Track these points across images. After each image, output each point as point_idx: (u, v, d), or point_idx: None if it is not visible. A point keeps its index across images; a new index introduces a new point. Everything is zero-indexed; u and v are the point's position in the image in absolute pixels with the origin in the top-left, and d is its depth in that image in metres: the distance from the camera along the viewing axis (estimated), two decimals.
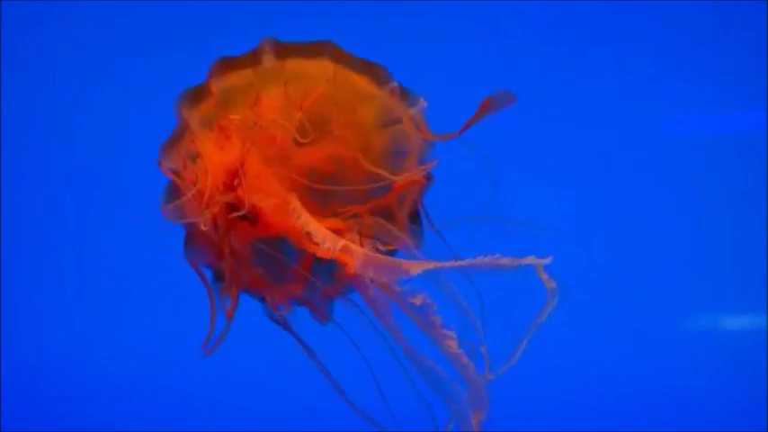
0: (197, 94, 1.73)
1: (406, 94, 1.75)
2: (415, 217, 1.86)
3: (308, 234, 1.64)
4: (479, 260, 1.60)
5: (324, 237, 1.64)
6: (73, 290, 3.15)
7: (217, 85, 1.70)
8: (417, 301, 1.63)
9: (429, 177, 1.82)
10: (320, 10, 2.80)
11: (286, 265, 1.82)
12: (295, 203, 1.68)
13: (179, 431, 3.11)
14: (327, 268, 1.82)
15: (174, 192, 1.75)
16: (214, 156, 1.67)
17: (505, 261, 1.58)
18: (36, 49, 3.11)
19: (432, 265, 1.62)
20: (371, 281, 1.67)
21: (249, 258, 1.80)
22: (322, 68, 1.72)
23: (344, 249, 1.63)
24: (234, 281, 1.77)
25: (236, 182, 1.66)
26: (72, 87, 3.07)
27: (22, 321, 3.15)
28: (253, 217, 1.68)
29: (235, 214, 1.68)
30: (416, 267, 1.62)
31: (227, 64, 1.73)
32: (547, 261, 1.63)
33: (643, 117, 3.20)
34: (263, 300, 1.88)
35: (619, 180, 3.20)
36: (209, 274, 1.84)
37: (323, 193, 1.77)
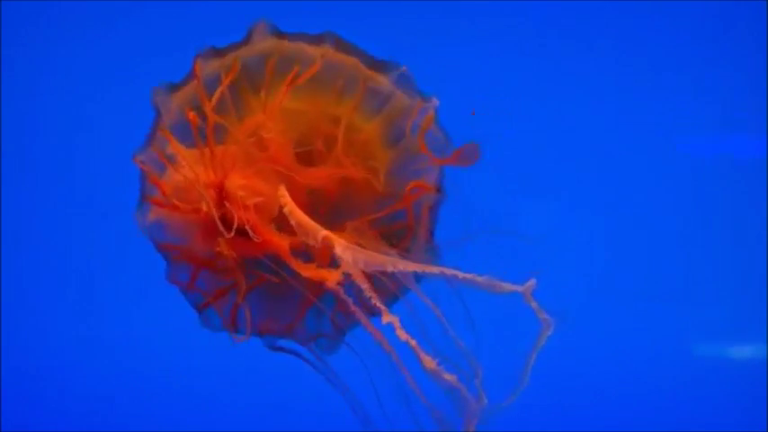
0: (177, 83, 1.70)
1: (417, 91, 1.71)
2: (431, 236, 1.83)
3: (294, 224, 1.61)
4: (471, 277, 1.59)
5: (307, 228, 1.61)
6: (73, 289, 3.15)
7: (202, 68, 1.67)
8: (387, 319, 1.61)
9: (440, 191, 1.80)
10: (320, 12, 2.80)
11: (293, 293, 1.80)
12: (283, 192, 1.65)
13: (179, 431, 3.09)
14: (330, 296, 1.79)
15: (146, 199, 1.73)
16: (192, 158, 1.64)
17: (492, 283, 1.57)
18: (36, 48, 3.12)
19: (419, 267, 1.61)
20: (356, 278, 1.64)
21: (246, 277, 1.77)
22: (319, 51, 1.69)
23: (326, 240, 1.60)
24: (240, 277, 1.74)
25: (222, 193, 1.63)
26: (72, 86, 3.07)
27: (22, 321, 3.16)
28: (242, 229, 1.65)
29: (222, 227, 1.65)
30: (402, 265, 1.61)
31: (216, 48, 1.70)
32: (532, 285, 1.60)
33: (654, 140, 3.18)
34: (260, 333, 1.86)
35: (625, 206, 3.18)
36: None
37: (332, 212, 1.75)
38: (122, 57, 3.02)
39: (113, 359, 3.15)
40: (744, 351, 3.13)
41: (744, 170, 3.17)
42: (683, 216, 3.17)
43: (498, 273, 1.64)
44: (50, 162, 3.13)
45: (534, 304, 1.60)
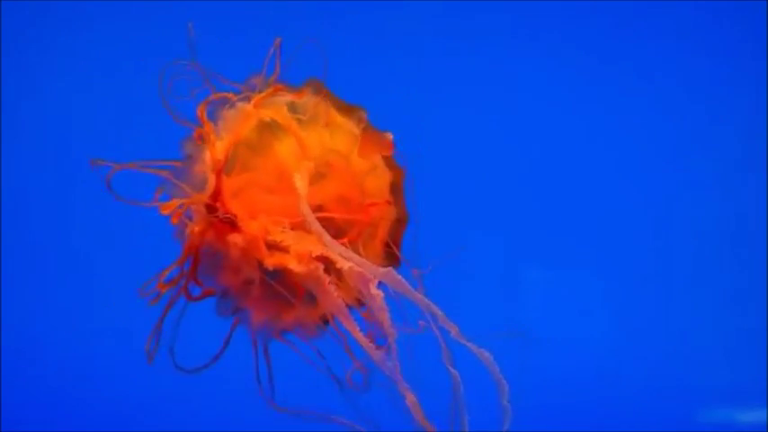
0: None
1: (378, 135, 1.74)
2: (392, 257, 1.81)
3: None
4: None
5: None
6: (74, 288, 3.16)
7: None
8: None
9: (405, 218, 1.78)
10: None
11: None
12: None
13: (181, 431, 3.08)
14: None
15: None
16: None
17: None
18: (36, 48, 3.17)
19: (391, 279, 1.58)
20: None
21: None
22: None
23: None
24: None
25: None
26: (71, 85, 3.12)
27: (22, 321, 3.17)
28: (232, 220, 1.66)
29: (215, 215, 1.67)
30: (375, 271, 1.59)
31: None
32: (489, 358, 1.56)
33: (655, 204, 3.19)
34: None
35: (629, 270, 3.18)
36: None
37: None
38: (127, 58, 3.06)
39: (114, 359, 3.15)
40: (749, 416, 3.09)
41: (746, 235, 3.16)
42: (686, 280, 3.18)
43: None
44: (53, 161, 3.17)
45: (493, 367, 1.56)
